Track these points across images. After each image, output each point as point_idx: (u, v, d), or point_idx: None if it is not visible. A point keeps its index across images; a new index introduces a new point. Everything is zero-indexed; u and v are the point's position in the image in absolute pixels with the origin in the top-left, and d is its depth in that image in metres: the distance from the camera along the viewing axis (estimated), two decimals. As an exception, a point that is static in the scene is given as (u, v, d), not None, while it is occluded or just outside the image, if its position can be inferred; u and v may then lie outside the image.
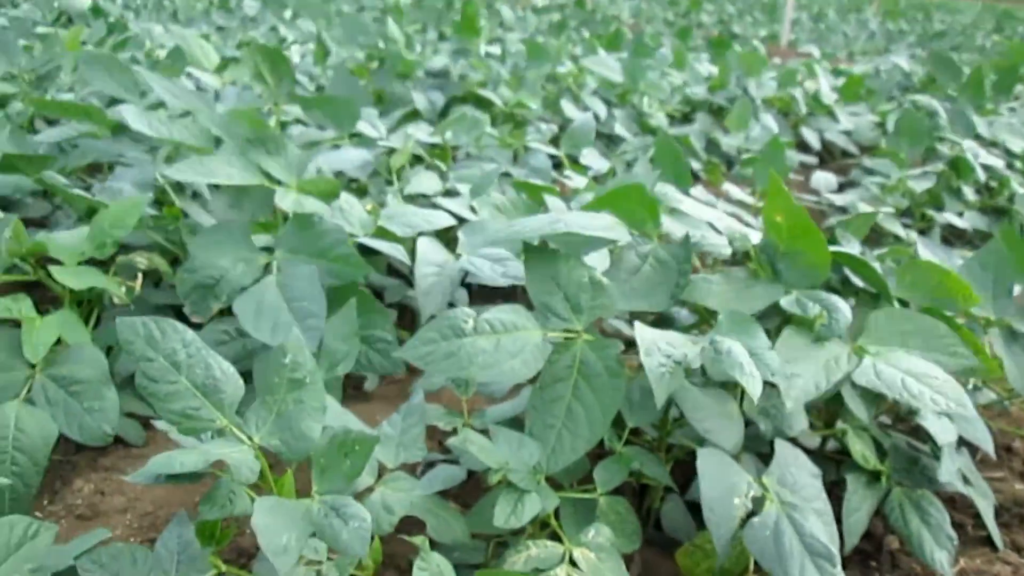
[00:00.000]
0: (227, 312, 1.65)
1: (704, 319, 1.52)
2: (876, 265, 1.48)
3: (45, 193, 2.16)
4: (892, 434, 1.55)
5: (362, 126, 2.59)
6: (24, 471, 1.36)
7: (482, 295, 2.22)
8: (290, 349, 1.08)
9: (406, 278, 2.20)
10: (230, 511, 1.01)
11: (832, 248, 1.41)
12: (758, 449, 1.41)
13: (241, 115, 1.97)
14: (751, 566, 1.23)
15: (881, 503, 1.44)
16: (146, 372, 0.99)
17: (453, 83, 3.73)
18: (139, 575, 1.02)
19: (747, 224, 1.84)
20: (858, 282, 1.53)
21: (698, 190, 2.42)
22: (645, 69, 4.15)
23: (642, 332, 1.22)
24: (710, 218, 1.52)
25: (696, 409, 1.28)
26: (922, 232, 2.90)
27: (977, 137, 3.47)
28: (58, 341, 1.52)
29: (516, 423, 1.35)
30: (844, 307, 1.32)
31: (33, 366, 1.48)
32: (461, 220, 2.05)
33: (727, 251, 1.50)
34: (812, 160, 3.98)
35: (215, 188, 2.09)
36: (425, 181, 2.29)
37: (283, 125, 2.64)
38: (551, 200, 2.02)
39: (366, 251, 1.90)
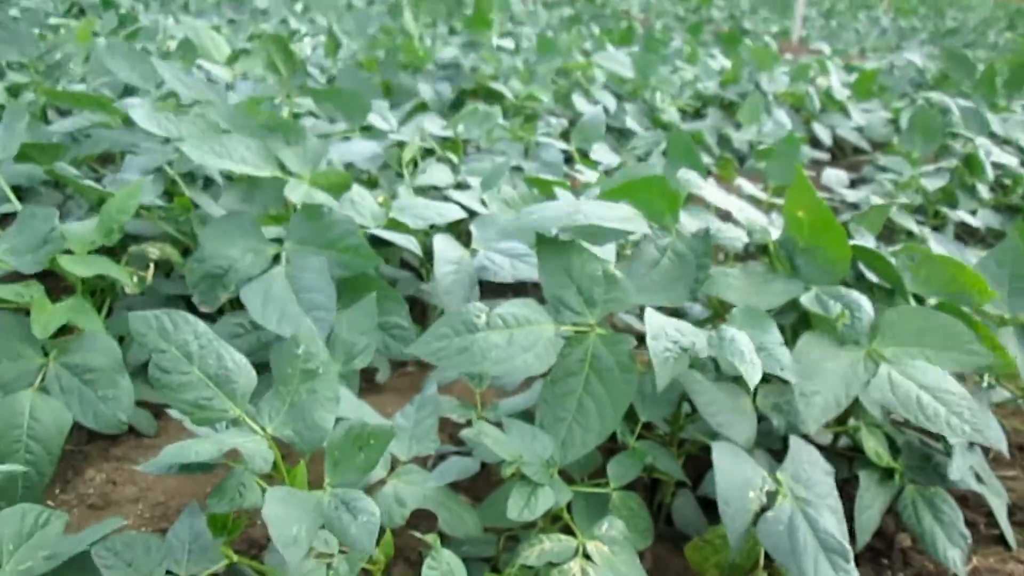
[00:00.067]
0: (240, 305, 1.66)
1: (719, 314, 1.52)
2: (891, 260, 1.47)
3: (57, 183, 2.16)
4: (905, 431, 1.54)
5: (373, 118, 2.59)
6: (38, 459, 1.36)
7: (492, 289, 2.21)
8: (303, 340, 1.08)
9: (417, 271, 2.20)
10: (239, 504, 1.01)
11: (849, 242, 1.40)
12: (770, 445, 1.41)
13: (252, 106, 1.97)
14: (761, 562, 1.23)
15: (894, 501, 1.43)
16: (159, 363, 1.00)
17: (463, 75, 3.73)
18: (152, 564, 1.02)
19: (760, 219, 1.84)
20: (873, 277, 1.52)
21: (710, 185, 2.41)
22: (656, 64, 4.14)
23: (651, 318, 1.22)
24: (731, 207, 1.52)
25: (709, 404, 1.28)
26: (935, 229, 2.88)
27: (991, 135, 3.45)
28: (71, 330, 1.52)
29: (528, 416, 1.35)
30: (867, 304, 1.32)
31: (47, 354, 1.48)
32: (472, 213, 2.05)
33: (740, 244, 1.50)
34: (824, 156, 3.96)
35: (227, 179, 2.09)
36: (437, 174, 2.28)
37: (295, 117, 2.64)
38: (562, 195, 2.02)
39: (378, 243, 1.90)
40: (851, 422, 1.53)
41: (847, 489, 1.40)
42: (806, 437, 1.33)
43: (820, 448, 1.32)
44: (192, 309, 1.60)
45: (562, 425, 1.22)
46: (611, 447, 1.36)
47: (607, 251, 1.44)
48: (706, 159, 3.35)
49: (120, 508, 1.43)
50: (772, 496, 1.13)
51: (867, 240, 1.84)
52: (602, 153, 3.02)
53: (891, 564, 1.50)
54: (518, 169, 2.61)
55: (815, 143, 4.09)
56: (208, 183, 2.13)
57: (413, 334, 1.67)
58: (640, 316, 1.67)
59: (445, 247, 1.75)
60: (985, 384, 1.63)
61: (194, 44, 3.11)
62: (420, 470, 1.26)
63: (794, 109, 4.34)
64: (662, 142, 3.12)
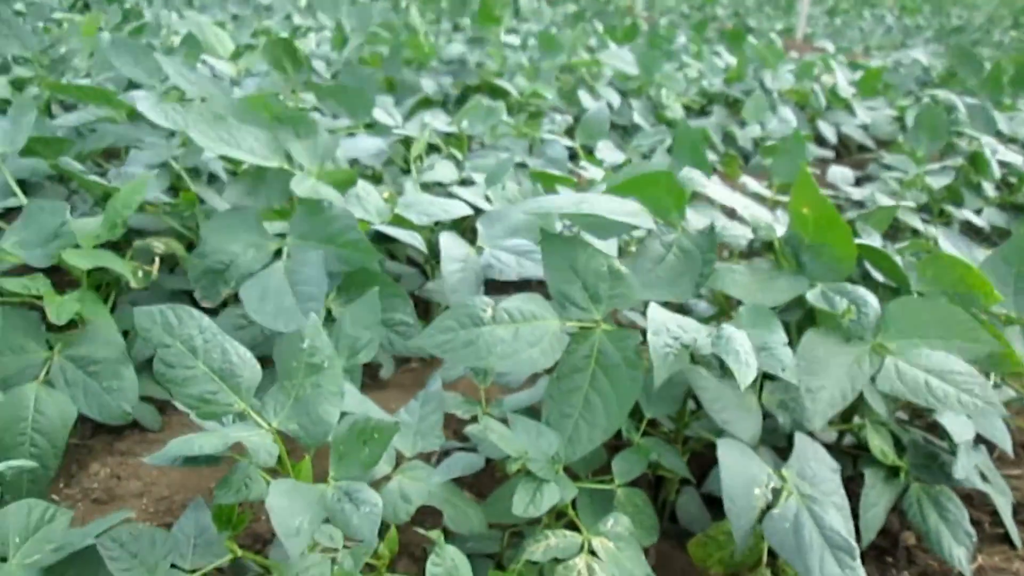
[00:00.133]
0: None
1: (724, 311, 1.51)
2: (897, 259, 1.47)
3: (61, 177, 2.16)
4: (910, 429, 1.54)
5: (378, 114, 2.59)
6: (43, 453, 1.36)
7: (495, 285, 2.21)
8: (308, 334, 1.08)
9: (421, 268, 2.20)
10: (245, 496, 1.01)
11: (855, 241, 1.40)
12: (775, 443, 1.41)
13: (256, 102, 1.96)
14: (764, 558, 1.23)
15: (899, 499, 1.42)
16: (163, 358, 0.99)
17: (468, 71, 3.72)
18: (157, 557, 1.02)
19: (764, 216, 1.83)
20: (879, 276, 1.52)
21: (714, 183, 2.41)
22: (660, 61, 4.13)
23: (654, 313, 1.21)
24: (736, 204, 1.51)
25: (715, 401, 1.27)
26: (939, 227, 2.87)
27: (997, 133, 3.44)
28: (76, 324, 1.52)
29: (533, 412, 1.35)
30: (872, 300, 1.31)
31: (51, 348, 1.48)
32: (477, 210, 2.04)
33: (744, 241, 1.49)
34: (828, 154, 3.95)
35: (232, 174, 2.09)
36: (441, 170, 2.28)
37: (299, 112, 2.63)
38: (566, 191, 2.01)
39: (383, 239, 1.89)
40: (856, 420, 1.53)
41: (851, 487, 1.39)
42: (810, 435, 1.32)
43: (825, 446, 1.32)
44: (196, 304, 1.60)
45: (568, 421, 1.22)
46: (616, 444, 1.36)
47: (610, 246, 1.43)
48: (711, 156, 3.34)
49: (124, 502, 1.43)
50: (777, 493, 1.13)
51: (873, 239, 1.84)
52: (607, 150, 3.02)
53: (896, 562, 1.50)
54: (522, 166, 2.61)
55: (820, 141, 4.08)
56: (212, 179, 2.13)
57: (418, 330, 1.66)
58: (644, 313, 1.67)
59: (451, 244, 1.74)
60: (991, 383, 1.62)
61: (198, 40, 3.11)
62: (425, 466, 1.26)
63: (799, 107, 4.33)
64: (667, 139, 3.12)
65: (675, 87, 4.18)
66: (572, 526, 1.17)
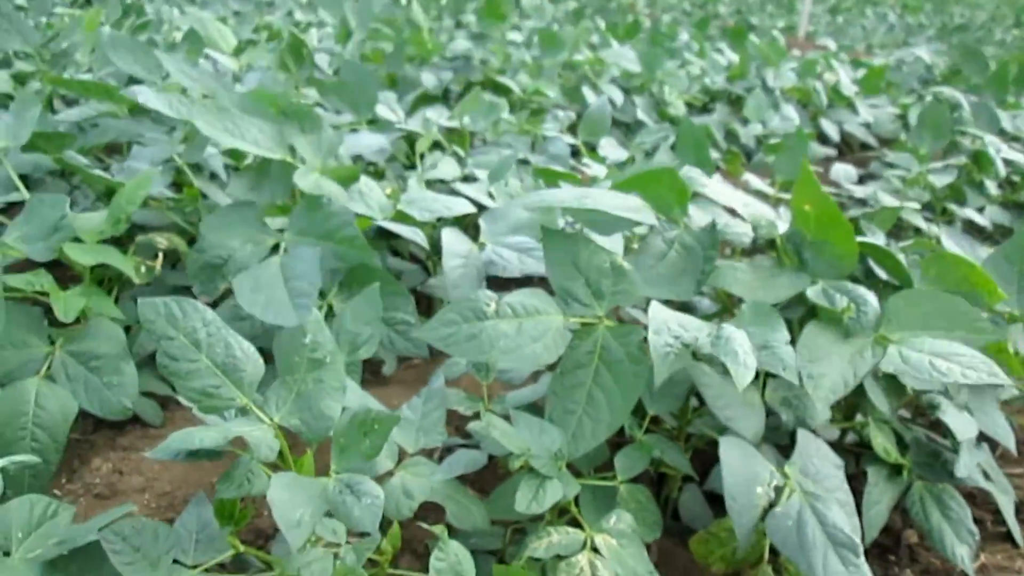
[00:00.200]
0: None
1: (727, 308, 1.51)
2: (901, 257, 1.47)
3: (63, 173, 2.16)
4: (913, 427, 1.53)
5: (380, 110, 2.58)
6: (44, 448, 1.36)
7: (496, 281, 2.21)
8: (310, 329, 1.08)
9: (423, 264, 2.19)
10: (248, 490, 1.01)
11: (858, 239, 1.40)
12: (777, 441, 1.40)
13: (262, 96, 1.96)
14: (766, 556, 1.22)
15: (901, 497, 1.42)
16: (167, 351, 0.99)
17: (472, 68, 3.72)
18: (160, 552, 1.02)
19: (767, 214, 1.83)
20: (882, 274, 1.51)
21: (717, 180, 2.40)
22: (663, 58, 4.12)
23: (655, 312, 1.21)
24: (736, 203, 1.51)
25: (718, 397, 1.27)
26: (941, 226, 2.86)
27: (1000, 131, 3.43)
28: (78, 320, 1.52)
29: (535, 409, 1.34)
30: (872, 299, 1.31)
31: (53, 343, 1.48)
32: (479, 207, 2.04)
33: (747, 239, 1.49)
34: (831, 152, 3.95)
35: (234, 169, 2.09)
36: (444, 166, 2.28)
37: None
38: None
39: (385, 235, 1.89)
40: (858, 418, 1.53)
41: (854, 485, 1.38)
42: (813, 432, 1.32)
43: (827, 444, 1.31)
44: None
45: (572, 417, 1.21)
46: (618, 441, 1.36)
47: (615, 243, 1.43)
48: (713, 154, 3.34)
49: (126, 497, 1.43)
50: (780, 491, 1.13)
51: (878, 237, 1.83)
52: (609, 147, 3.01)
53: (898, 560, 1.50)
54: (524, 162, 2.61)
55: (822, 139, 4.07)
56: (215, 176, 2.13)
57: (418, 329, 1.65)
58: (646, 310, 1.67)
59: (453, 240, 1.74)
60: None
61: (200, 36, 3.10)
62: (427, 462, 1.26)
63: (801, 105, 4.33)
64: (670, 136, 3.11)
65: (677, 84, 4.17)
66: (575, 523, 1.17)
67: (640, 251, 1.40)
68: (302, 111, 1.81)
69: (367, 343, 1.37)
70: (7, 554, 0.99)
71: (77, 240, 1.57)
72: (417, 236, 1.82)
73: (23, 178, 1.83)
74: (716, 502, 1.47)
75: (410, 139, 2.51)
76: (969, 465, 1.41)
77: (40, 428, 1.37)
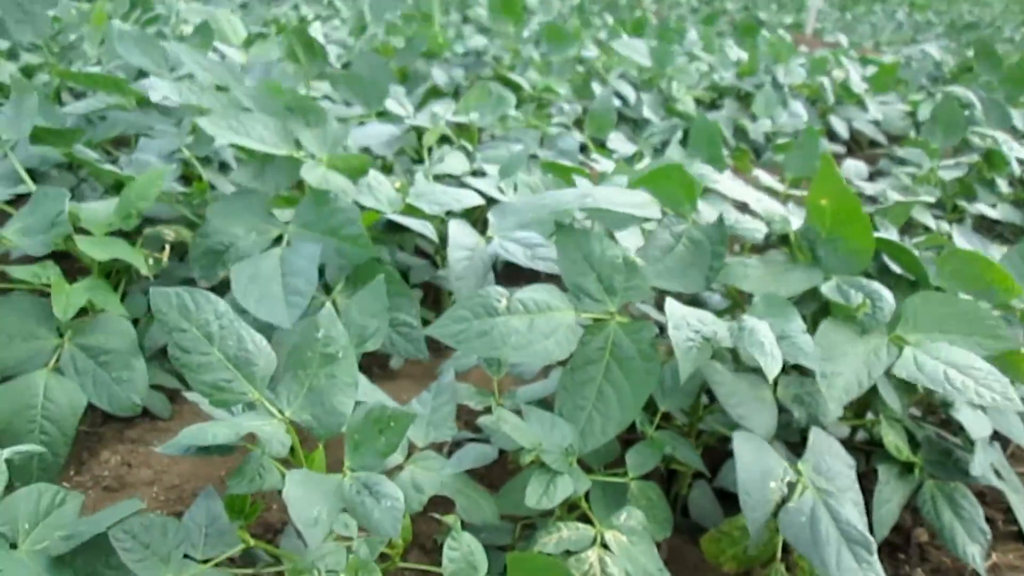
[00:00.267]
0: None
1: (738, 304, 1.50)
2: (916, 253, 1.46)
3: (71, 166, 2.16)
4: (924, 426, 1.52)
5: (390, 103, 2.57)
6: (53, 440, 1.36)
7: (504, 276, 2.20)
8: (323, 323, 1.07)
9: (432, 258, 2.19)
10: (259, 486, 1.00)
11: (873, 235, 1.39)
12: (788, 438, 1.40)
13: (273, 87, 1.95)
14: (778, 554, 1.22)
15: (913, 495, 1.41)
16: (179, 343, 0.98)
17: (482, 64, 3.71)
18: (169, 547, 1.01)
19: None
20: (896, 270, 1.50)
21: (729, 176, 2.39)
22: (672, 53, 4.10)
23: (672, 307, 1.20)
24: (748, 199, 1.50)
25: (730, 395, 1.26)
26: (952, 224, 2.84)
27: (1012, 129, 3.41)
28: (87, 312, 1.52)
29: (546, 404, 1.34)
30: (887, 295, 1.30)
31: (62, 335, 1.47)
32: (489, 200, 2.03)
33: (760, 235, 1.48)
34: (840, 149, 3.93)
35: (240, 159, 2.08)
36: (452, 161, 2.27)
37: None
38: (581, 182, 2.00)
39: (394, 228, 1.88)
40: (870, 416, 1.52)
41: (864, 483, 1.38)
42: (824, 429, 1.31)
43: (838, 442, 1.31)
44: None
45: (582, 413, 1.21)
46: (629, 437, 1.35)
47: (632, 237, 1.42)
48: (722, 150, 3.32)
49: (135, 490, 1.43)
50: (793, 487, 1.12)
51: (891, 234, 1.82)
52: (618, 142, 3.00)
53: (908, 559, 1.49)
54: (533, 157, 2.60)
55: (831, 136, 4.05)
56: (224, 167, 2.12)
57: (421, 334, 1.63)
58: (657, 307, 1.66)
59: (460, 232, 1.73)
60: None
61: (211, 28, 3.09)
62: (437, 456, 1.26)
63: (810, 101, 4.31)
64: (679, 131, 3.10)
65: (687, 80, 4.15)
66: (585, 519, 1.16)
67: (647, 245, 1.39)
68: (307, 105, 1.80)
69: (374, 335, 1.36)
70: (14, 546, 0.98)
71: (81, 232, 1.56)
72: (426, 229, 1.81)
73: (30, 171, 1.83)
74: (726, 500, 1.46)
75: (419, 134, 2.51)
76: (984, 464, 1.40)
77: (49, 421, 1.37)
